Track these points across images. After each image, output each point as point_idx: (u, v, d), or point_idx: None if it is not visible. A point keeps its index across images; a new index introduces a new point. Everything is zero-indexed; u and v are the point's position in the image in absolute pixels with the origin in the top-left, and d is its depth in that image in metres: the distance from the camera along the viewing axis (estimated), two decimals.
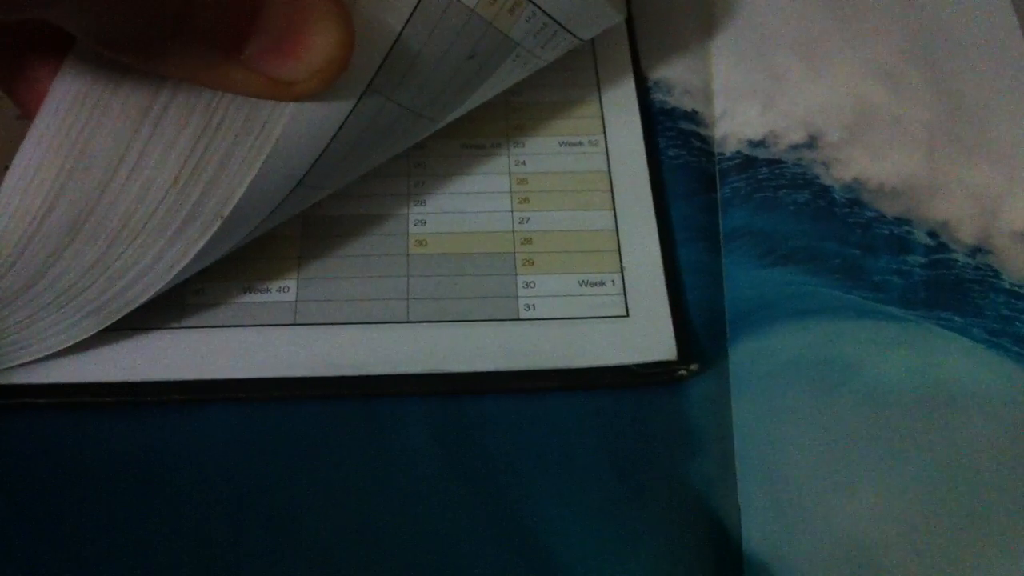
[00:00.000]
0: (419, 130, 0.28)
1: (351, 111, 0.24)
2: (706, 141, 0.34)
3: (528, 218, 0.31)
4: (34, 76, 0.24)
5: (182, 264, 0.25)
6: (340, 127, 0.24)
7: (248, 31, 0.21)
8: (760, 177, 0.33)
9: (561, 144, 0.33)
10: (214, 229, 0.24)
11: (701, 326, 0.30)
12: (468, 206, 0.31)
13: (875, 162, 0.33)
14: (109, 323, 0.26)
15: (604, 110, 0.34)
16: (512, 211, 0.31)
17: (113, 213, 0.24)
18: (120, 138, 0.23)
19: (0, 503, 0.26)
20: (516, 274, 0.30)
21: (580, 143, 0.33)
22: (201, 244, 0.24)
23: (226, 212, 0.24)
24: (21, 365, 0.26)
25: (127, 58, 0.21)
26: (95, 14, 0.19)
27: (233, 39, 0.21)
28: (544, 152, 0.33)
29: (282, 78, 0.22)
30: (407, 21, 0.23)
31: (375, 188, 0.31)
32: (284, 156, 0.23)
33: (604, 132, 0.33)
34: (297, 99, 0.23)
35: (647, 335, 0.29)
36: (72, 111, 0.23)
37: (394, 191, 0.31)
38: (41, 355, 0.26)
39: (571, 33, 0.27)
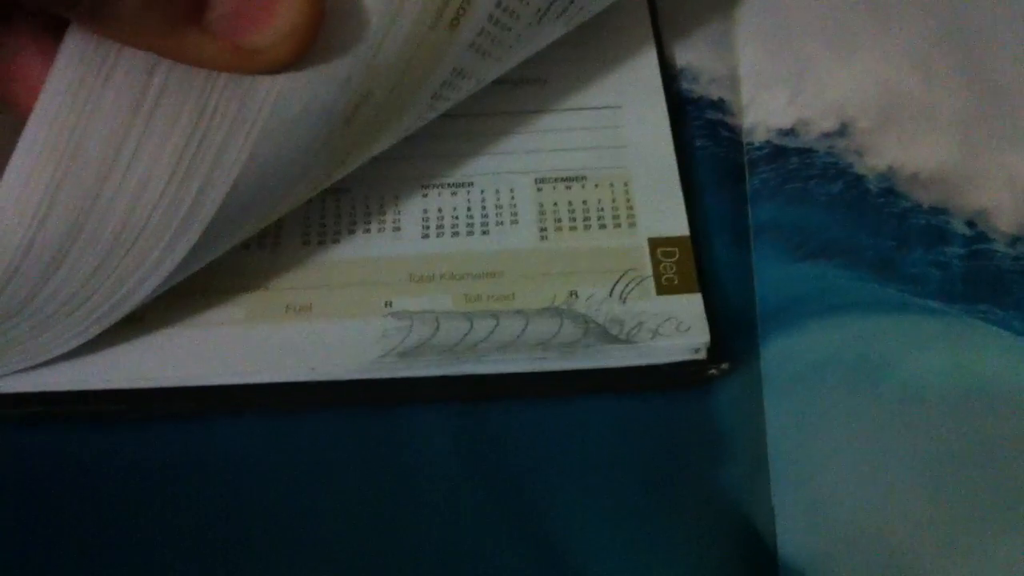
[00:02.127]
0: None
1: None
2: (734, 131, 0.33)
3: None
4: (29, 77, 0.23)
5: (186, 260, 0.24)
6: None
7: None
8: (790, 167, 0.32)
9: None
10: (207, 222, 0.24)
11: (731, 324, 0.29)
12: None
13: (909, 150, 0.32)
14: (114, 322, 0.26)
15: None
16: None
17: (111, 214, 0.23)
18: (112, 136, 0.23)
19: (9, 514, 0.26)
20: None
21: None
22: (198, 238, 0.24)
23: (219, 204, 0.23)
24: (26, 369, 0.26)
25: (72, 15, 0.20)
26: None
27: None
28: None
29: (247, 46, 0.21)
30: None
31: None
32: (279, 139, 0.23)
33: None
34: (266, 70, 0.22)
35: None
36: (62, 111, 0.22)
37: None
38: (46, 358, 0.26)
39: None
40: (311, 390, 0.27)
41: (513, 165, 0.31)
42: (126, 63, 0.22)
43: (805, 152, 0.33)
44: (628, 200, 0.30)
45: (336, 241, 0.29)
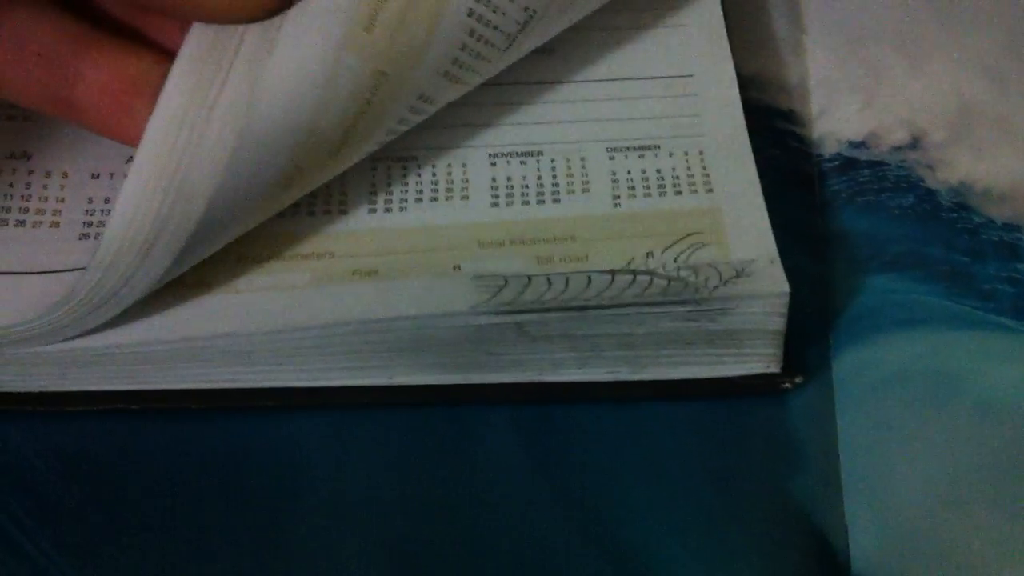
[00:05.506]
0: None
1: None
2: (803, 141, 0.33)
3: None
4: (136, 111, 0.23)
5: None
6: None
7: None
8: (861, 179, 0.32)
9: None
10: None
11: (804, 335, 0.29)
12: None
13: (981, 164, 0.32)
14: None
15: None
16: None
17: (218, 241, 0.24)
18: (216, 169, 0.23)
19: (89, 506, 0.26)
20: None
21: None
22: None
23: None
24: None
25: None
26: None
27: None
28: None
29: None
30: None
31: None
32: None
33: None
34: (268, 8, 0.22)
35: None
36: (167, 141, 0.22)
37: None
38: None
39: None
40: (379, 390, 0.27)
41: (584, 134, 0.31)
42: (230, 93, 0.22)
43: (876, 165, 0.32)
44: (704, 167, 0.30)
45: (403, 209, 0.29)
